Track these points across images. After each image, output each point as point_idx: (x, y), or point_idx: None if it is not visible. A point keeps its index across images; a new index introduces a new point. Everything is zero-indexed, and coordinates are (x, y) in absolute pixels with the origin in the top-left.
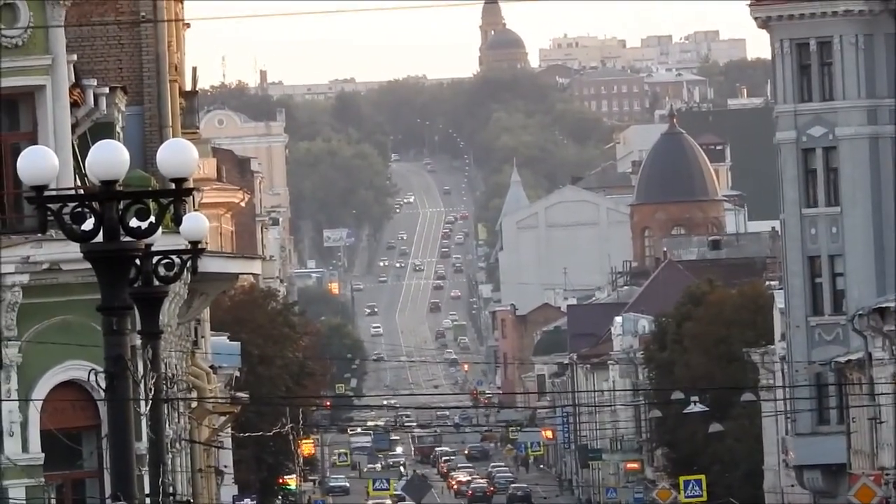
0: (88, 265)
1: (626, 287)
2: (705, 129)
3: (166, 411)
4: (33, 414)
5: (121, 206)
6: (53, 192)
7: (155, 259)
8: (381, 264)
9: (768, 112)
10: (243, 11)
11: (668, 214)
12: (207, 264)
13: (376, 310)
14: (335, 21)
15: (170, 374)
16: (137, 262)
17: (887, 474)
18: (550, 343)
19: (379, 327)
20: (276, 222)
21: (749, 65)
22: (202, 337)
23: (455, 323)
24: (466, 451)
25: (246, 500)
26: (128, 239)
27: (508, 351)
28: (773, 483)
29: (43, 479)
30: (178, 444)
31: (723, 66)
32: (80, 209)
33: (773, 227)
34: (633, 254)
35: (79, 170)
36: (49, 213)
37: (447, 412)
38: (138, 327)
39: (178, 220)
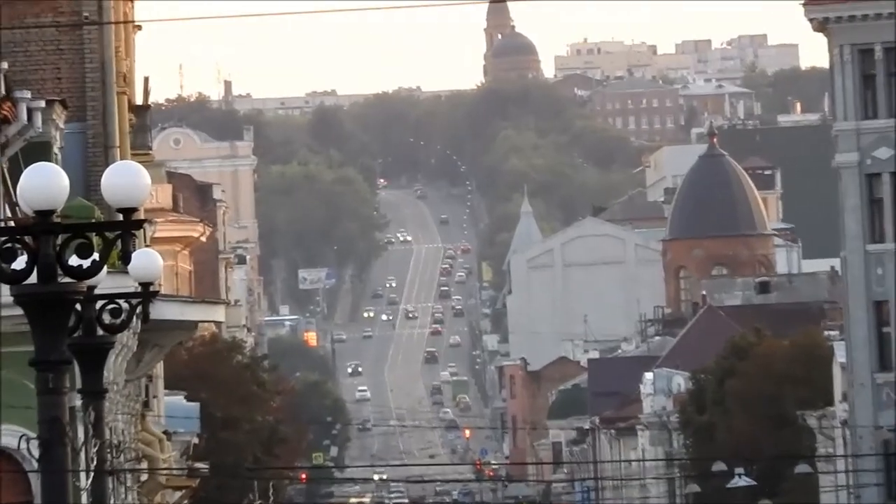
0: (20, 311)
1: (657, 338)
2: (751, 151)
3: (111, 485)
4: None
5: (59, 242)
6: None
7: (99, 304)
8: (367, 315)
9: (826, 130)
10: (204, 11)
11: (707, 252)
12: (161, 310)
13: (360, 369)
14: (313, 23)
15: (115, 441)
16: (78, 307)
17: None
18: (568, 404)
19: (365, 390)
20: (242, 260)
21: (802, 75)
22: (154, 397)
23: (455, 378)
24: None
25: None
26: (67, 280)
27: (518, 413)
28: None
29: None
30: None
31: (771, 75)
32: (9, 245)
33: (832, 267)
34: (665, 298)
35: (9, 198)
36: None
37: (445, 486)
38: (78, 385)
39: (126, 258)
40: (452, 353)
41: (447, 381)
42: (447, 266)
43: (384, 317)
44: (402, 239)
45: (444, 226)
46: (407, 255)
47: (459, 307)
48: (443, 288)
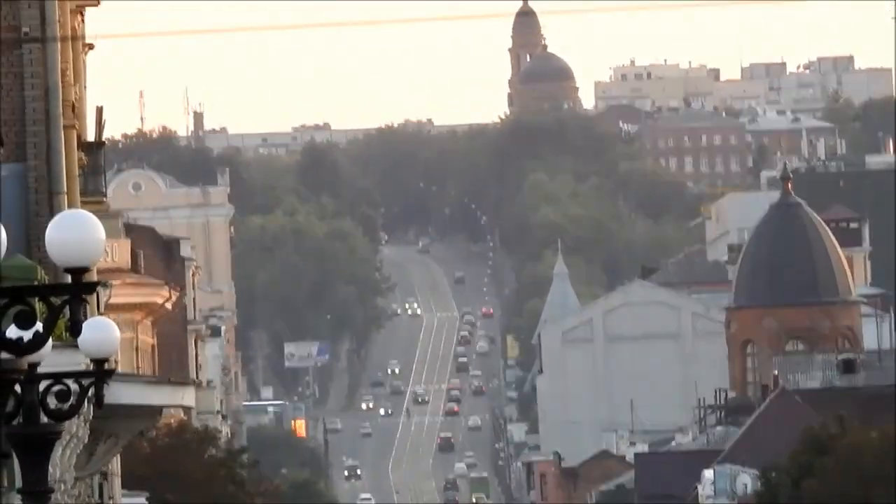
0: None
1: (719, 427)
2: (834, 199)
3: None
4: None
5: None
6: None
7: (43, 385)
8: (366, 405)
9: None
10: (170, 25)
11: (780, 323)
12: (118, 393)
13: (359, 471)
14: (302, 41)
15: None
16: (17, 388)
17: None
18: None
19: (369, 499)
20: (216, 332)
21: None
22: (110, 498)
23: (473, 474)
24: None
25: None
26: (4, 356)
27: None
28: None
29: None
30: None
31: (859, 107)
32: None
33: None
34: (729, 379)
35: None
36: None
37: None
38: (18, 484)
39: (75, 329)
40: (471, 439)
41: (463, 474)
42: (465, 334)
43: (383, 411)
44: (409, 310)
45: (460, 286)
46: (415, 328)
47: (479, 384)
48: (461, 359)
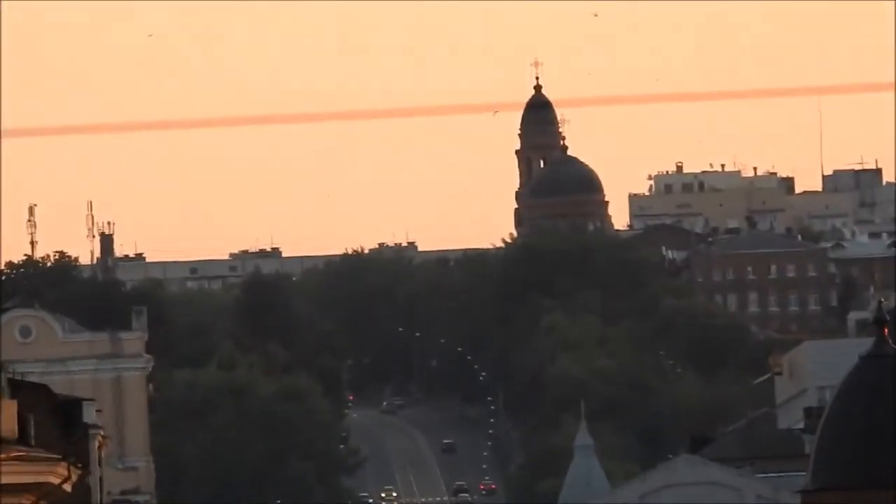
0: None
1: None
2: None
3: None
4: None
5: None
6: None
7: None
8: None
9: None
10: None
11: None
12: None
13: None
14: (241, 141)
15: None
16: None
17: None
18: None
19: None
20: None
21: None
22: None
23: None
24: None
25: None
26: None
27: None
28: None
29: None
30: None
31: None
32: None
33: None
34: None
35: None
36: None
37: None
38: None
39: None
40: None
41: None
42: None
43: None
44: (384, 494)
45: (450, 456)
46: None
47: None
48: None
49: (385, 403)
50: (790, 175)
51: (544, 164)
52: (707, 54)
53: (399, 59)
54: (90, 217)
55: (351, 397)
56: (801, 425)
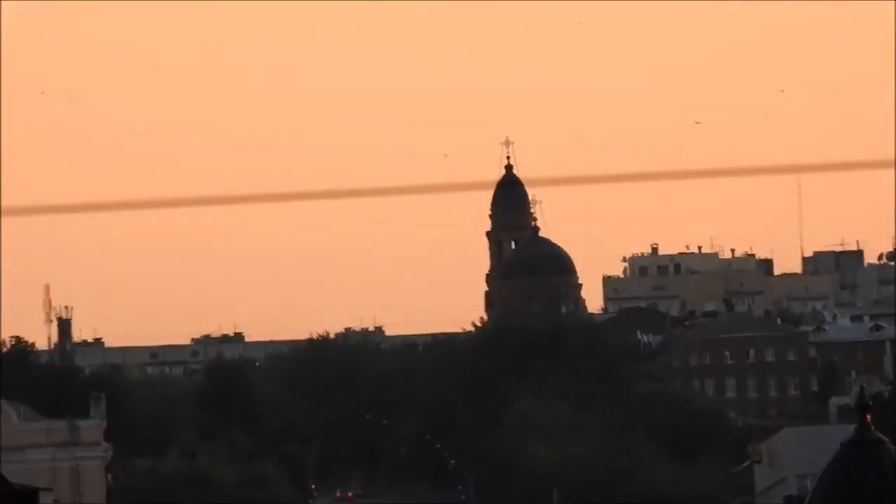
0: None
1: None
2: None
3: None
4: None
5: None
6: None
7: None
8: None
9: None
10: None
11: None
12: None
13: None
14: (204, 220)
15: None
16: None
17: None
18: None
19: None
20: None
21: None
22: None
23: None
24: None
25: None
26: None
27: None
28: None
29: None
30: None
31: None
32: None
33: None
34: None
35: None
36: None
37: None
38: None
39: None
40: None
41: None
42: None
43: None
44: None
45: None
46: None
47: None
48: None
49: (338, 493)
50: (769, 256)
51: (516, 244)
52: (682, 132)
53: (365, 137)
54: (47, 301)
55: (314, 487)
56: None
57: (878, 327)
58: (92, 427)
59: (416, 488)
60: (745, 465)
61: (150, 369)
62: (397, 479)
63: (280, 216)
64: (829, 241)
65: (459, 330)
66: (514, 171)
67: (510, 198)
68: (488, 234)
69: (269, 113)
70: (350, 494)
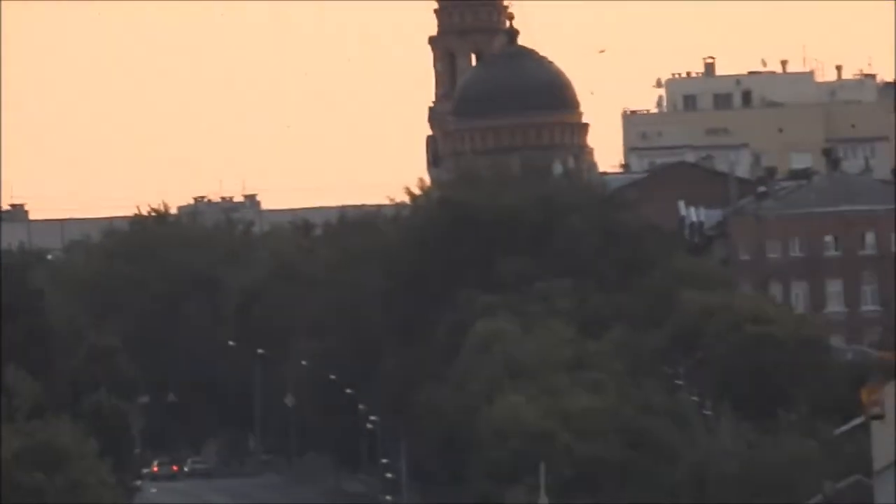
0: None
1: None
2: None
3: None
4: None
5: None
6: None
7: None
8: None
9: None
10: None
11: None
12: None
13: None
14: None
15: None
16: None
17: None
18: None
19: None
20: None
21: None
22: None
23: None
24: None
25: None
26: None
27: None
28: None
29: None
30: None
31: None
32: None
33: None
34: None
35: None
36: None
37: None
38: None
39: None
40: None
41: None
42: None
43: None
44: None
45: None
46: None
47: None
48: None
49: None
50: (890, 79)
51: (478, 60)
52: None
53: None
54: None
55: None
56: None
57: None
58: None
59: (317, 462)
60: (856, 422)
61: None
62: (279, 447)
63: None
64: None
65: (383, 202)
66: None
67: None
68: (433, 40)
69: None
70: (175, 468)
